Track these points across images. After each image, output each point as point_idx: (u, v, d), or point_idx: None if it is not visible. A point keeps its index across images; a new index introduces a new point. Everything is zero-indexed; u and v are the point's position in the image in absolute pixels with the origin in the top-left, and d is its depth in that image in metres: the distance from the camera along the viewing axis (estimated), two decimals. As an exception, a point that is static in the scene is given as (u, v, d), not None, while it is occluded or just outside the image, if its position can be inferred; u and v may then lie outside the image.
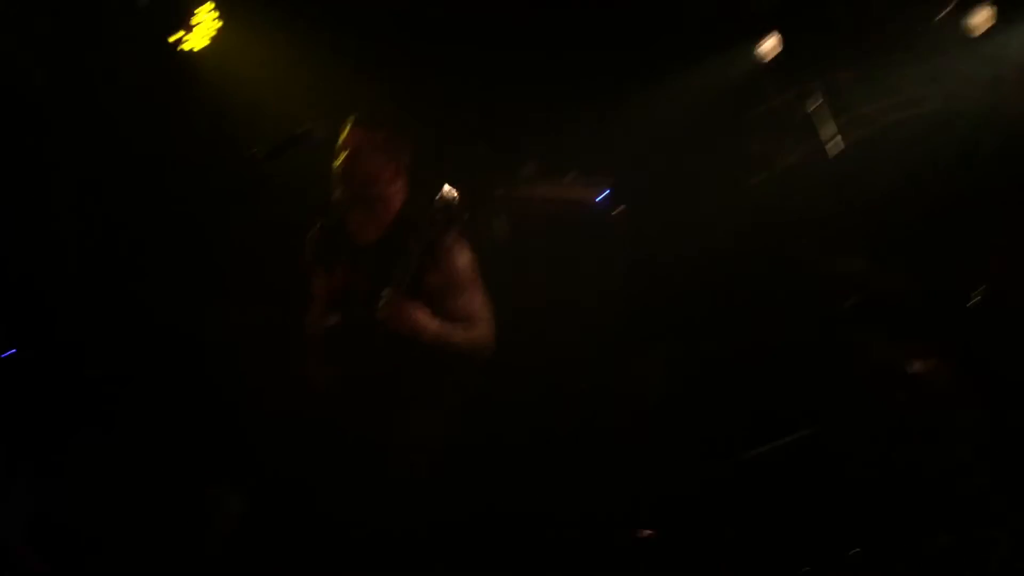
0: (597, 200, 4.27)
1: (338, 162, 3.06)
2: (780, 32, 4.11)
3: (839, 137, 4.04)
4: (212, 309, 4.08)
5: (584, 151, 4.36)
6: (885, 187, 3.90)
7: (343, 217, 3.14)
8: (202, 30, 4.13)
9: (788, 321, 4.00)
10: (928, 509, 3.06)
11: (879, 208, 3.87)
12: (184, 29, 4.14)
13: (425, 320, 2.91)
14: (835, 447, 3.40)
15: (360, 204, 3.08)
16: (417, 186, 3.07)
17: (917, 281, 3.61)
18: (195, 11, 4.14)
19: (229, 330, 4.03)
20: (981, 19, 3.75)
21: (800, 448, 3.46)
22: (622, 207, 4.22)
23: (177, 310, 4.00)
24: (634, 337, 4.12)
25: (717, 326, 4.15)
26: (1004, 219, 3.59)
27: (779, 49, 4.12)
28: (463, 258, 3.03)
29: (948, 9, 4.02)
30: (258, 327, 3.95)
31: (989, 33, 3.96)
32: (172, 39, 4.11)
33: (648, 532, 3.54)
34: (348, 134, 3.07)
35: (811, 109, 4.04)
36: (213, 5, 4.18)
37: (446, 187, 2.85)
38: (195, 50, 4.12)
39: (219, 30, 4.13)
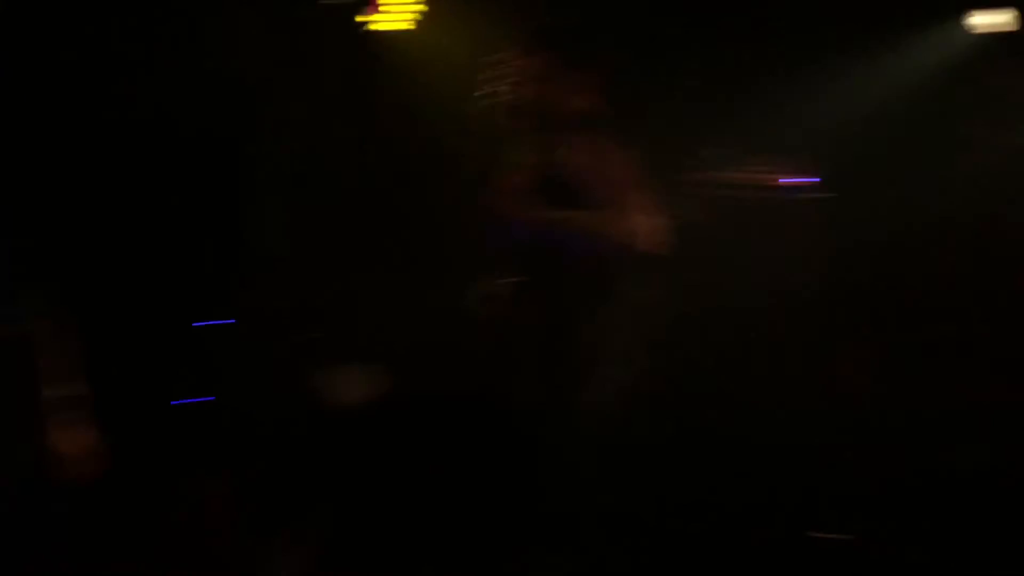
0: (795, 185, 4.11)
1: (521, 93, 2.95)
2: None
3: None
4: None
5: (783, 134, 4.19)
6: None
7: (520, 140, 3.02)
8: (401, 12, 4.14)
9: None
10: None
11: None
12: (371, 12, 4.16)
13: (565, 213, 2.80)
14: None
15: (545, 130, 2.95)
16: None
17: None
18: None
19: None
20: None
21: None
22: (823, 193, 4.05)
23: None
24: (837, 329, 3.92)
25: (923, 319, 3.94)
26: None
27: (1013, 25, 3.87)
28: (597, 144, 2.87)
29: None
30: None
31: None
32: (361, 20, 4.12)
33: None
34: (518, 58, 2.95)
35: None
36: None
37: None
38: (394, 31, 4.12)
39: (421, 12, 4.14)
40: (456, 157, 3.81)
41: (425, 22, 4.21)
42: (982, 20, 3.97)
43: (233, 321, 3.34)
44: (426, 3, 4.15)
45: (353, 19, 4.28)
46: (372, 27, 4.28)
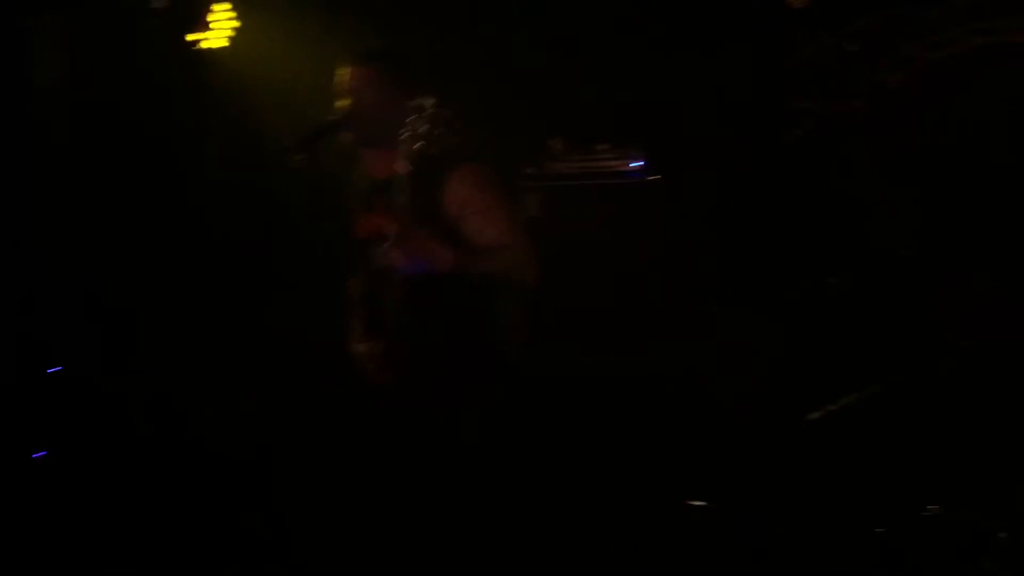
0: (630, 171, 4.16)
1: (341, 106, 2.94)
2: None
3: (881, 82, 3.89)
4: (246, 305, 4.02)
5: (614, 123, 4.25)
6: (937, 128, 3.74)
7: (358, 158, 3.03)
8: (219, 29, 4.10)
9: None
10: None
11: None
12: (201, 28, 4.12)
13: (438, 251, 2.72)
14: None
15: (372, 144, 2.96)
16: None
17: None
18: (211, 10, 4.12)
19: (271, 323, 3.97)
20: None
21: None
22: (656, 177, 4.10)
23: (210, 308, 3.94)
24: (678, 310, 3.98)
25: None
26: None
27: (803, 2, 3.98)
28: (472, 180, 2.85)
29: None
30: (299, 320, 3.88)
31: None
32: (190, 38, 4.08)
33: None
34: (345, 75, 2.96)
35: (846, 56, 3.90)
36: (230, 5, 4.17)
37: (425, 101, 2.64)
38: (214, 49, 4.08)
39: (237, 29, 4.11)
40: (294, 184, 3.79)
41: (260, 40, 4.18)
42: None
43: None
44: (243, 19, 4.11)
45: (183, 37, 4.24)
46: (203, 45, 4.24)
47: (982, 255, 3.45)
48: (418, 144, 2.63)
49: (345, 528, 2.93)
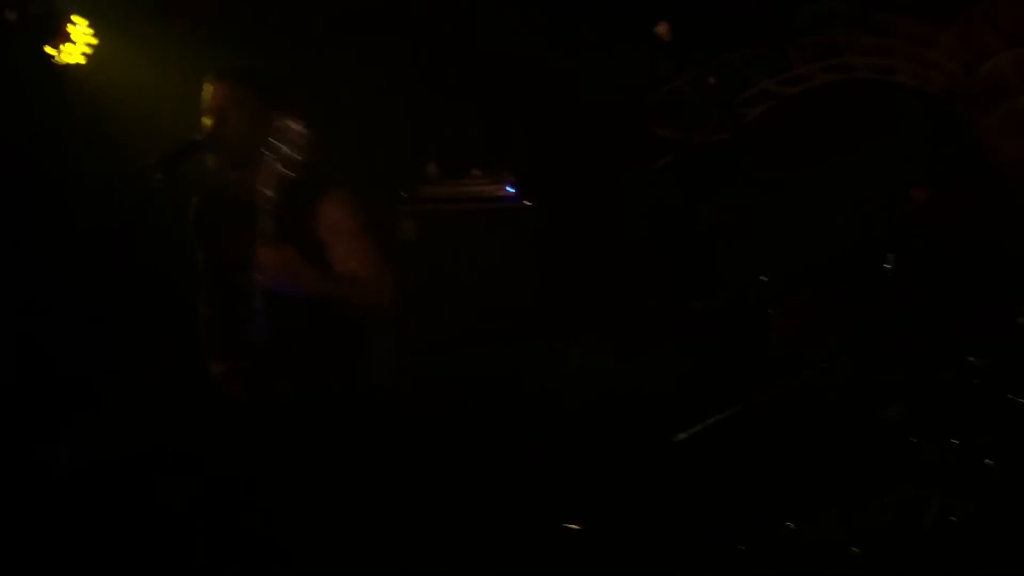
0: (503, 196, 4.21)
1: (205, 125, 2.88)
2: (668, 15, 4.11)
3: (740, 114, 4.06)
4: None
5: (486, 148, 4.29)
6: (791, 159, 3.93)
7: (223, 180, 2.97)
8: (77, 45, 3.95)
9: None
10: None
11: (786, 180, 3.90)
12: (60, 43, 3.96)
13: (305, 274, 2.65)
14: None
15: (237, 165, 2.91)
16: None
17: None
18: (69, 25, 3.97)
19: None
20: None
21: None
22: (528, 202, 4.16)
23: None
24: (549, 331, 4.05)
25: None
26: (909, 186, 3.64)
27: (669, 35, 4.13)
28: (340, 206, 2.81)
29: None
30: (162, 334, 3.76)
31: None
32: (49, 51, 3.91)
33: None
34: (208, 93, 2.89)
35: (710, 88, 4.05)
36: (87, 22, 4.03)
37: (291, 123, 2.57)
38: (71, 64, 3.93)
39: (95, 46, 3.97)
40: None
41: (120, 56, 4.05)
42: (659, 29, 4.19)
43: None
44: (101, 35, 3.98)
45: (40, 51, 4.06)
46: (62, 59, 4.08)
47: (829, 279, 3.63)
48: (281, 168, 2.59)
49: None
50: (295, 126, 2.57)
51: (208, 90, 2.86)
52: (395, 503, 2.91)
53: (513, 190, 4.20)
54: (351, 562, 2.78)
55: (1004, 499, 2.59)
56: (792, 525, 2.84)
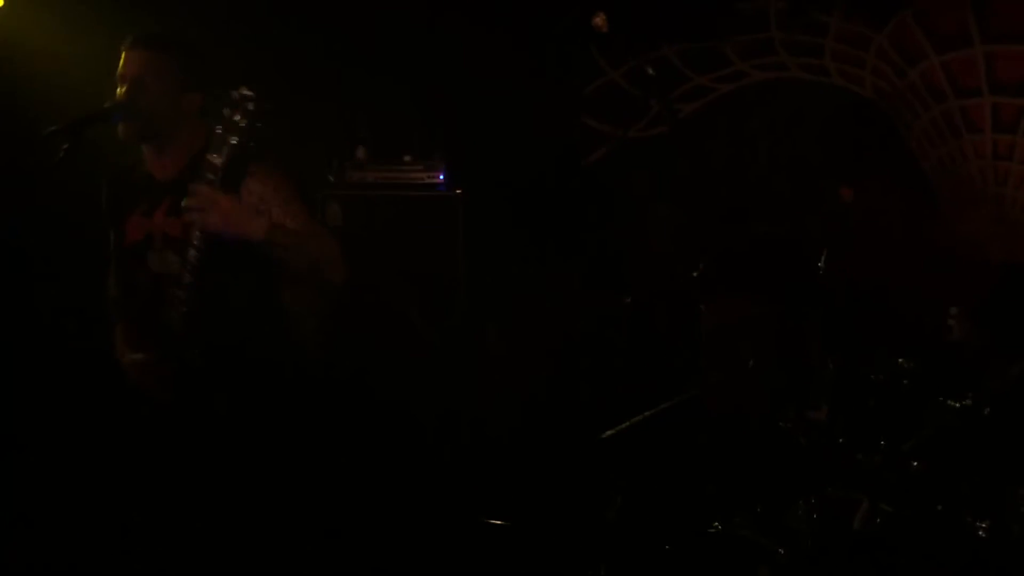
0: (433, 184, 4.13)
1: (118, 93, 2.72)
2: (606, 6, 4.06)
3: (675, 109, 4.03)
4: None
5: (419, 135, 4.19)
6: (724, 154, 3.92)
7: (136, 154, 2.81)
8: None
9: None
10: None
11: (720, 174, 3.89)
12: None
13: (253, 217, 2.49)
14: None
15: (151, 138, 2.76)
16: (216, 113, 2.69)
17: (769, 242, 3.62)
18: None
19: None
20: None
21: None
22: (459, 190, 4.08)
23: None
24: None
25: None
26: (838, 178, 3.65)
27: (605, 27, 4.08)
28: (273, 180, 2.64)
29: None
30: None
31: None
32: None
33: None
34: (125, 60, 2.72)
35: (645, 82, 4.01)
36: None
37: (242, 91, 2.40)
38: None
39: (2, 8, 3.75)
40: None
41: (29, 15, 3.84)
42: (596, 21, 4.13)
43: None
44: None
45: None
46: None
47: (759, 275, 3.63)
48: (233, 139, 2.43)
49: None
50: (247, 93, 2.42)
51: (124, 57, 2.70)
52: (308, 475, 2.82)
53: (444, 178, 4.12)
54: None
55: (931, 500, 2.60)
56: (719, 525, 2.82)
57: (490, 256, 4.08)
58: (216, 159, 2.43)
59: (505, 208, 4.16)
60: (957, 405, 2.63)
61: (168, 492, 2.66)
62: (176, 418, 2.69)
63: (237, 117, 2.40)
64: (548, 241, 4.21)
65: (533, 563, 3.31)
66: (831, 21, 4.10)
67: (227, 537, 2.65)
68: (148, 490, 2.67)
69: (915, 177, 4.05)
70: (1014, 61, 3.87)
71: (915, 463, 2.60)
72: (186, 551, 2.64)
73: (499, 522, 3.52)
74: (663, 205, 4.16)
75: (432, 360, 3.93)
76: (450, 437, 3.80)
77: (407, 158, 4.18)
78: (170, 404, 2.69)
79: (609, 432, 3.45)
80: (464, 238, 4.05)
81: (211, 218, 2.45)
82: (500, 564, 3.34)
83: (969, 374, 2.82)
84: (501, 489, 3.63)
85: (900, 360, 2.82)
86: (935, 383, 2.74)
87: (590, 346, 4.04)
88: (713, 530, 2.83)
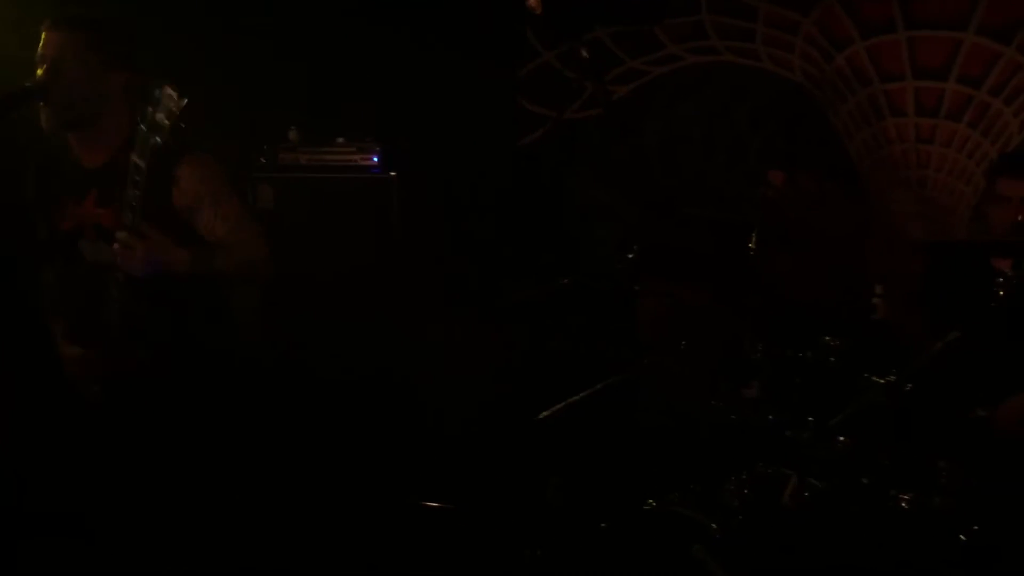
0: (366, 166, 4.09)
1: (37, 75, 2.64)
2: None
3: (609, 91, 4.06)
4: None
5: (353, 117, 4.16)
6: (658, 138, 3.95)
7: (62, 142, 2.74)
8: None
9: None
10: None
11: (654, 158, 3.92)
12: None
13: (173, 251, 2.52)
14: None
15: (75, 124, 2.68)
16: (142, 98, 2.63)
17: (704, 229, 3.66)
18: None
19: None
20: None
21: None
22: (393, 173, 4.06)
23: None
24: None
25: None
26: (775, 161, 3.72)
27: (540, 9, 4.08)
28: (203, 171, 2.64)
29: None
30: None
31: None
32: None
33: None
34: (45, 41, 2.64)
35: (581, 64, 4.02)
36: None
37: (166, 89, 2.37)
38: None
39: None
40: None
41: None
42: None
43: None
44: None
45: None
46: None
47: (692, 258, 3.68)
48: (156, 139, 2.38)
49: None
50: (171, 91, 2.37)
51: (43, 38, 2.62)
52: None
53: (378, 160, 4.09)
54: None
55: (856, 474, 2.68)
56: (653, 503, 2.86)
57: (424, 239, 4.06)
58: (140, 161, 2.40)
59: (440, 190, 4.15)
60: (882, 382, 2.70)
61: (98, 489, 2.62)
62: (107, 415, 2.66)
63: (160, 116, 2.36)
64: (484, 223, 4.21)
65: (471, 544, 3.33)
66: (760, 5, 4.16)
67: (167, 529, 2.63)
68: (79, 486, 2.63)
69: (843, 160, 4.14)
70: (936, 46, 3.97)
71: (841, 439, 2.68)
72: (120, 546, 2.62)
73: (437, 504, 3.53)
74: (598, 188, 4.20)
75: (368, 344, 3.91)
76: (386, 420, 3.79)
77: (340, 140, 4.15)
78: (101, 401, 2.65)
79: (545, 413, 3.48)
80: (399, 220, 4.04)
81: (131, 264, 2.46)
82: (438, 546, 3.35)
83: (893, 351, 2.90)
84: (439, 471, 3.64)
85: (827, 338, 2.89)
86: (861, 360, 2.81)
87: (526, 328, 4.06)
88: (648, 507, 2.88)
